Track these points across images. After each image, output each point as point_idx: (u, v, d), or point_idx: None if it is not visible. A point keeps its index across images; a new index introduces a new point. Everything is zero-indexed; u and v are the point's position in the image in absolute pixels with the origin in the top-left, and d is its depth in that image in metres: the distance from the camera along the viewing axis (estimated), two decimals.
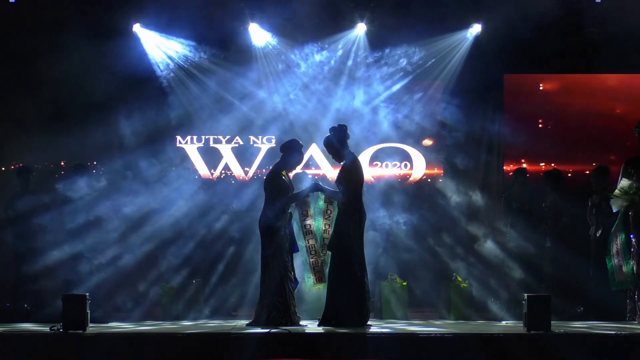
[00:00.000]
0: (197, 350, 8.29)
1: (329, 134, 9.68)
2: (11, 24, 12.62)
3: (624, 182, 10.10)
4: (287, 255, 9.55)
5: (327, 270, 9.60)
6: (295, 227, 9.71)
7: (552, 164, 13.05)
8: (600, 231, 11.03)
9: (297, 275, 9.74)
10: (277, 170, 9.73)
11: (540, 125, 13.63)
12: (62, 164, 13.07)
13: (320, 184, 9.88)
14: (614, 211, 10.27)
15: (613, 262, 10.26)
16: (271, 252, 9.49)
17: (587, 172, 13.15)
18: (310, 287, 9.77)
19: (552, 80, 13.80)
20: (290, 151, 9.77)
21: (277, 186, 9.59)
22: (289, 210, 9.62)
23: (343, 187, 9.48)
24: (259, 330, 8.95)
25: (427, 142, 13.38)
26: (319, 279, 9.65)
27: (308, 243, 9.66)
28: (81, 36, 12.63)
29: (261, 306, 9.50)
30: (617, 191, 10.09)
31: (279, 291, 9.44)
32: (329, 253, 9.56)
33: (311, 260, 9.67)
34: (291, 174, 10.04)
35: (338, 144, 9.58)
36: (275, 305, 9.41)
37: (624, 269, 10.17)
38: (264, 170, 13.27)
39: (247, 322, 9.78)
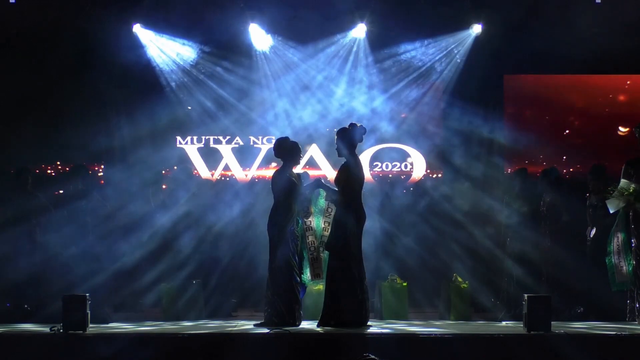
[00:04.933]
0: (197, 351, 8.29)
1: (347, 127, 9.65)
2: (11, 24, 12.61)
3: (622, 183, 10.11)
4: (294, 256, 9.55)
5: (324, 269, 9.61)
6: (299, 223, 9.71)
7: (553, 164, 13.03)
8: (594, 231, 11.02)
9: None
10: (283, 169, 9.73)
11: (540, 125, 13.62)
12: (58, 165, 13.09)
13: (323, 182, 9.86)
14: (611, 212, 10.27)
15: (613, 262, 10.25)
16: (278, 253, 9.49)
17: (579, 172, 13.18)
18: (306, 281, 9.76)
19: (552, 79, 13.79)
20: (287, 151, 9.76)
21: (283, 186, 9.60)
22: (296, 209, 9.62)
23: (341, 187, 9.48)
24: (258, 330, 8.95)
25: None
26: (316, 275, 9.65)
27: (308, 239, 9.67)
28: (81, 36, 12.65)
29: (267, 307, 9.50)
30: (615, 192, 10.10)
31: (284, 292, 9.44)
32: (327, 252, 9.56)
33: (310, 256, 9.68)
34: (295, 170, 10.00)
35: (343, 140, 9.54)
36: (279, 306, 9.40)
37: (625, 269, 10.16)
38: (264, 171, 13.29)
39: (246, 322, 9.76)
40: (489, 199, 12.82)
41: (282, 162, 9.84)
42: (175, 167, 12.67)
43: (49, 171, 13.09)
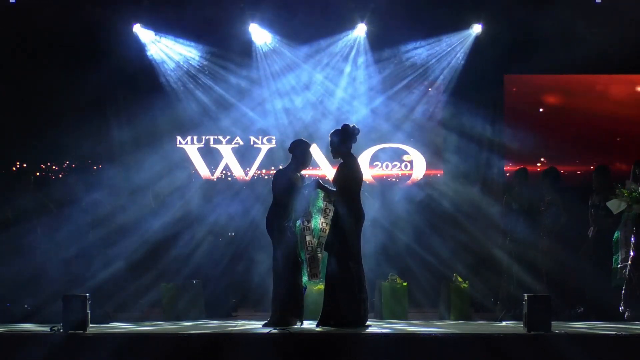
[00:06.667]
0: (197, 350, 8.28)
1: (340, 128, 9.65)
2: (11, 24, 12.61)
3: (627, 184, 10.18)
4: (294, 256, 9.54)
5: (323, 269, 9.60)
6: (298, 223, 9.71)
7: (552, 164, 13.03)
8: (594, 231, 11.03)
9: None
10: (286, 170, 9.73)
11: (540, 126, 13.63)
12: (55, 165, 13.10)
13: (322, 182, 9.85)
14: (614, 213, 10.30)
15: (619, 260, 10.28)
16: (279, 253, 9.49)
17: (579, 172, 13.18)
18: (305, 282, 9.76)
19: (552, 80, 13.80)
20: (297, 151, 9.75)
21: (283, 186, 9.59)
22: (294, 209, 9.62)
23: (339, 187, 9.47)
24: (258, 330, 8.96)
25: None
26: (314, 275, 9.64)
27: (306, 239, 9.66)
28: (81, 36, 12.65)
29: (274, 306, 9.50)
30: (617, 191, 10.15)
31: (286, 292, 9.43)
32: (326, 252, 9.55)
33: (307, 256, 9.66)
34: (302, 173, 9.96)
35: (338, 142, 9.56)
36: (284, 305, 9.40)
37: (629, 266, 10.20)
38: (264, 171, 13.30)
39: (246, 322, 9.75)
40: (489, 198, 12.84)
41: (290, 161, 9.82)
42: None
43: (48, 170, 13.07)
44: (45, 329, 8.89)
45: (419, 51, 13.22)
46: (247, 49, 13.17)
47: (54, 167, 13.09)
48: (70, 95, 12.81)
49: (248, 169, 13.37)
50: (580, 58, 12.57)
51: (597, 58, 12.69)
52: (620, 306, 10.24)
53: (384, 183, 13.27)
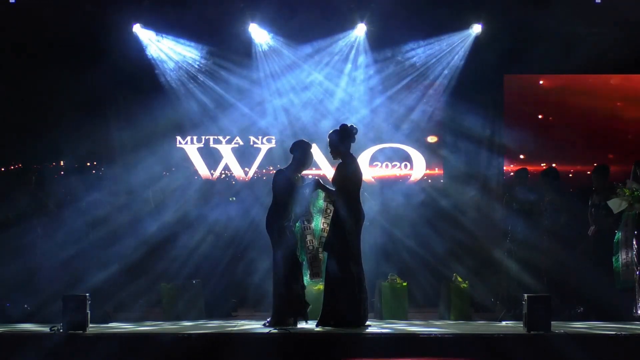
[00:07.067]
0: (198, 350, 8.29)
1: (338, 129, 9.65)
2: (11, 24, 12.60)
3: (628, 183, 10.19)
4: (295, 255, 9.53)
5: (323, 269, 9.59)
6: (297, 224, 9.70)
7: (552, 164, 13.04)
8: (594, 230, 11.03)
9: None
10: (286, 170, 9.72)
11: (540, 125, 13.63)
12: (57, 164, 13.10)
13: (322, 182, 9.85)
14: (615, 212, 10.30)
15: (620, 261, 10.28)
16: (280, 252, 9.48)
17: (588, 172, 13.17)
18: (306, 281, 9.76)
19: (552, 80, 13.80)
20: (298, 151, 9.74)
21: (283, 186, 9.59)
22: (293, 209, 9.61)
23: (338, 187, 9.47)
24: (258, 330, 8.96)
25: (432, 139, 13.38)
26: (315, 275, 9.63)
27: (307, 239, 9.66)
28: (81, 35, 12.65)
29: (274, 307, 9.50)
30: (618, 191, 10.17)
31: (286, 292, 9.43)
32: (326, 252, 9.54)
33: (309, 256, 9.65)
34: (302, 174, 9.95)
35: (337, 142, 9.55)
36: (284, 305, 9.40)
37: (632, 267, 10.19)
38: (264, 171, 13.31)
39: (246, 322, 9.75)
40: (489, 198, 12.84)
41: (290, 162, 9.81)
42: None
43: (44, 170, 13.06)
44: (45, 329, 8.90)
45: (419, 51, 13.22)
46: (247, 49, 13.16)
47: (53, 166, 13.09)
48: (70, 95, 12.81)
49: (248, 169, 13.37)
50: (580, 58, 12.57)
51: (597, 58, 12.68)
52: (634, 310, 10.18)
53: (383, 183, 13.27)
